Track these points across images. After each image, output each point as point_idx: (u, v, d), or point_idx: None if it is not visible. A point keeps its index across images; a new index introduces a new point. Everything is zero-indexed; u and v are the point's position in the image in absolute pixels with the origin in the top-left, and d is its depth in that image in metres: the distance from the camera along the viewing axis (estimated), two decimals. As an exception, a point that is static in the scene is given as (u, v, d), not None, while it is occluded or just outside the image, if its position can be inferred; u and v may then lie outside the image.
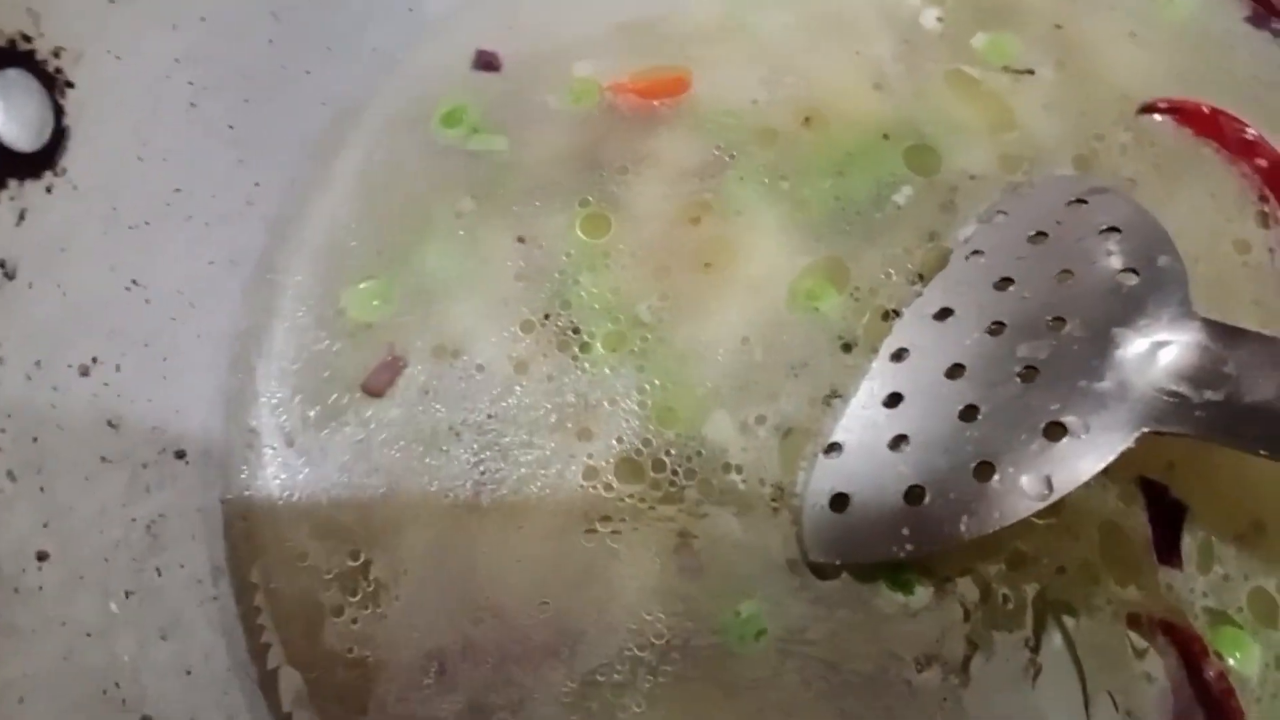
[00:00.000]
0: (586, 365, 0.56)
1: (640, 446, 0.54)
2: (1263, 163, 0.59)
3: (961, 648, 0.50)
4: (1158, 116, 0.61)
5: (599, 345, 0.56)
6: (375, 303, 0.58)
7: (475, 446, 0.55)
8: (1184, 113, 0.61)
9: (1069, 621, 0.51)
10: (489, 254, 0.59)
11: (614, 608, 0.52)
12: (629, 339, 0.57)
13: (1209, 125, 0.60)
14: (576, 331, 0.57)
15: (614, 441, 0.55)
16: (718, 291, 0.57)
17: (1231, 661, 0.50)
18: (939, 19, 0.64)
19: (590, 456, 0.54)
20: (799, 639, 0.51)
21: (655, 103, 0.62)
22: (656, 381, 0.56)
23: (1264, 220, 0.58)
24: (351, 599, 0.53)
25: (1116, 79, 0.62)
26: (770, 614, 0.51)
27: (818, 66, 0.63)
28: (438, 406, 0.56)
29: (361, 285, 0.59)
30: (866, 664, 0.50)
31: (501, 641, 0.52)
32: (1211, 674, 0.50)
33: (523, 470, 0.54)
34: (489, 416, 0.55)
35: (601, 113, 0.62)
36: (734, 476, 0.54)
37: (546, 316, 0.57)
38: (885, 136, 0.60)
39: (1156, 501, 0.52)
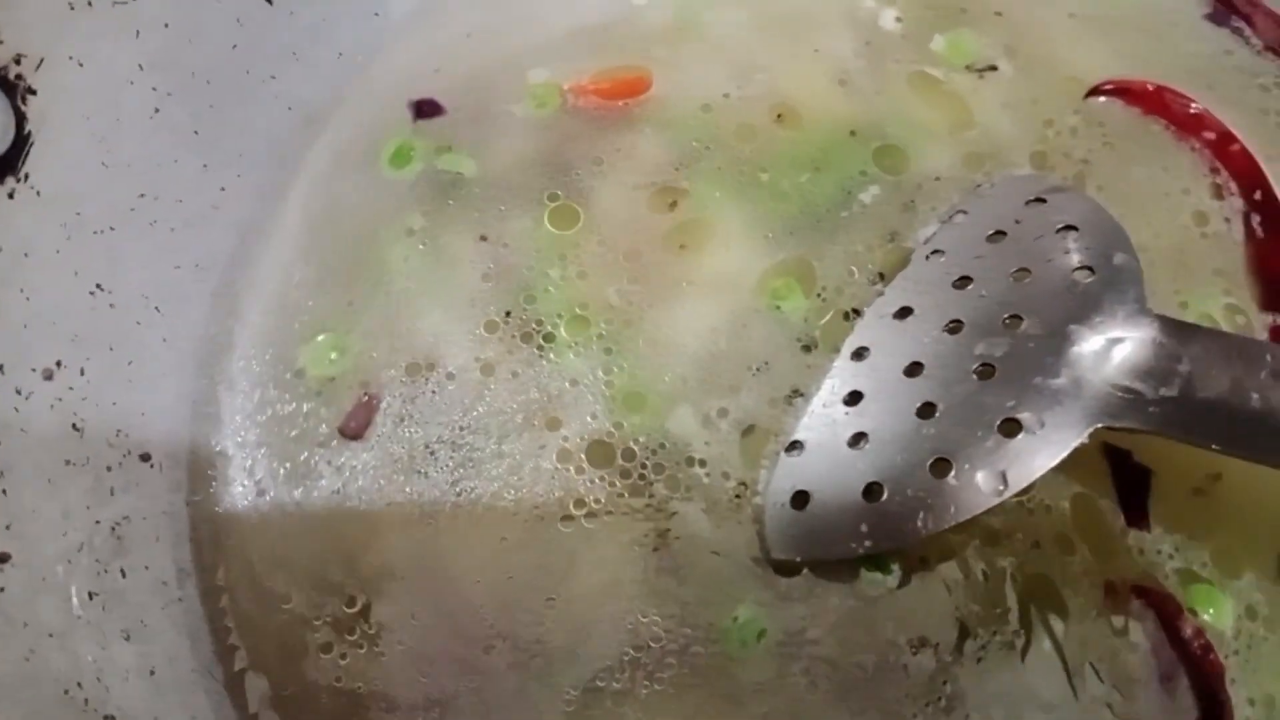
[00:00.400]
0: (551, 355, 0.56)
1: (611, 429, 0.55)
2: (1210, 135, 0.60)
3: (950, 627, 0.51)
4: (1102, 98, 0.62)
5: (563, 332, 0.57)
6: (333, 355, 0.58)
7: (451, 464, 0.55)
8: (1130, 93, 0.61)
9: (1048, 597, 0.51)
10: (454, 258, 0.59)
11: (608, 604, 0.52)
12: (594, 323, 0.57)
13: (1154, 102, 0.61)
14: (540, 323, 0.57)
15: (588, 418, 0.55)
16: (690, 274, 0.58)
17: (1206, 617, 0.51)
18: (898, 19, 0.64)
19: (565, 440, 0.55)
20: (797, 638, 0.51)
21: (620, 102, 0.63)
22: (624, 365, 0.56)
23: (1218, 191, 0.59)
24: (349, 636, 0.53)
25: (1062, 63, 0.63)
26: (765, 616, 0.51)
27: (781, 64, 0.63)
28: (414, 430, 0.56)
29: (318, 339, 0.58)
30: (865, 655, 0.51)
31: (520, 661, 0.52)
32: (1189, 632, 0.50)
33: (496, 484, 0.54)
34: (461, 429, 0.56)
35: (566, 114, 0.63)
36: (698, 470, 0.54)
37: (508, 314, 0.58)
38: (852, 133, 0.61)
39: (1120, 467, 0.53)
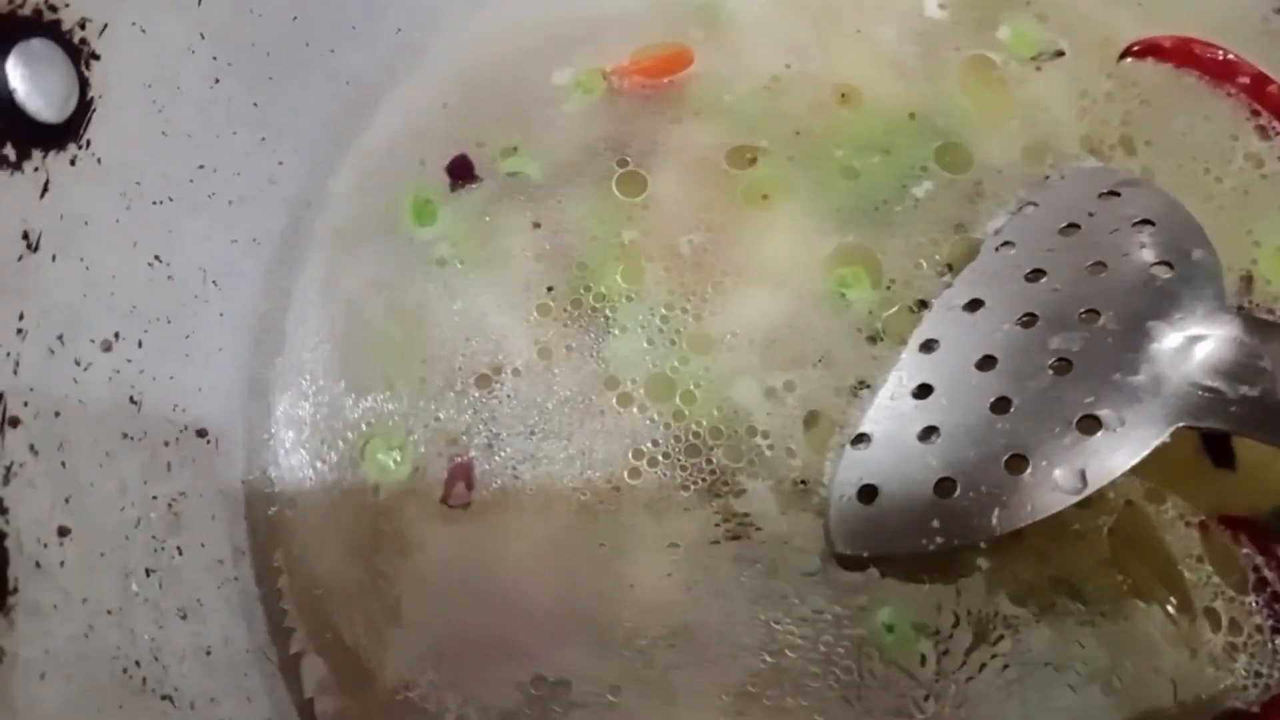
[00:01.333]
0: (607, 313, 0.57)
1: (676, 364, 0.55)
2: (1245, 80, 0.60)
3: (1059, 590, 0.51)
4: (1130, 60, 0.62)
5: (619, 280, 0.57)
6: (396, 456, 0.55)
7: (535, 484, 0.54)
8: (1159, 49, 0.61)
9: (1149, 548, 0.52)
10: (505, 252, 0.59)
11: (727, 610, 0.52)
12: (651, 272, 0.57)
13: (1183, 55, 0.61)
14: (588, 288, 0.57)
15: (644, 343, 0.56)
16: (771, 226, 0.58)
17: None
18: (941, 6, 0.63)
19: (633, 382, 0.55)
20: (940, 628, 0.51)
21: (665, 80, 0.62)
22: (687, 307, 0.56)
23: (1263, 133, 0.60)
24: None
25: (1094, 30, 0.63)
26: (910, 611, 0.51)
27: (827, 44, 0.63)
28: (504, 451, 0.55)
29: (372, 444, 0.56)
30: (1001, 630, 0.51)
31: (682, 667, 0.51)
32: None
33: (578, 488, 0.54)
34: (532, 434, 0.55)
35: (616, 96, 0.62)
36: (760, 441, 0.54)
37: (550, 288, 0.57)
38: (911, 116, 0.60)
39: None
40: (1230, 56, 0.60)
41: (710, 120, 0.61)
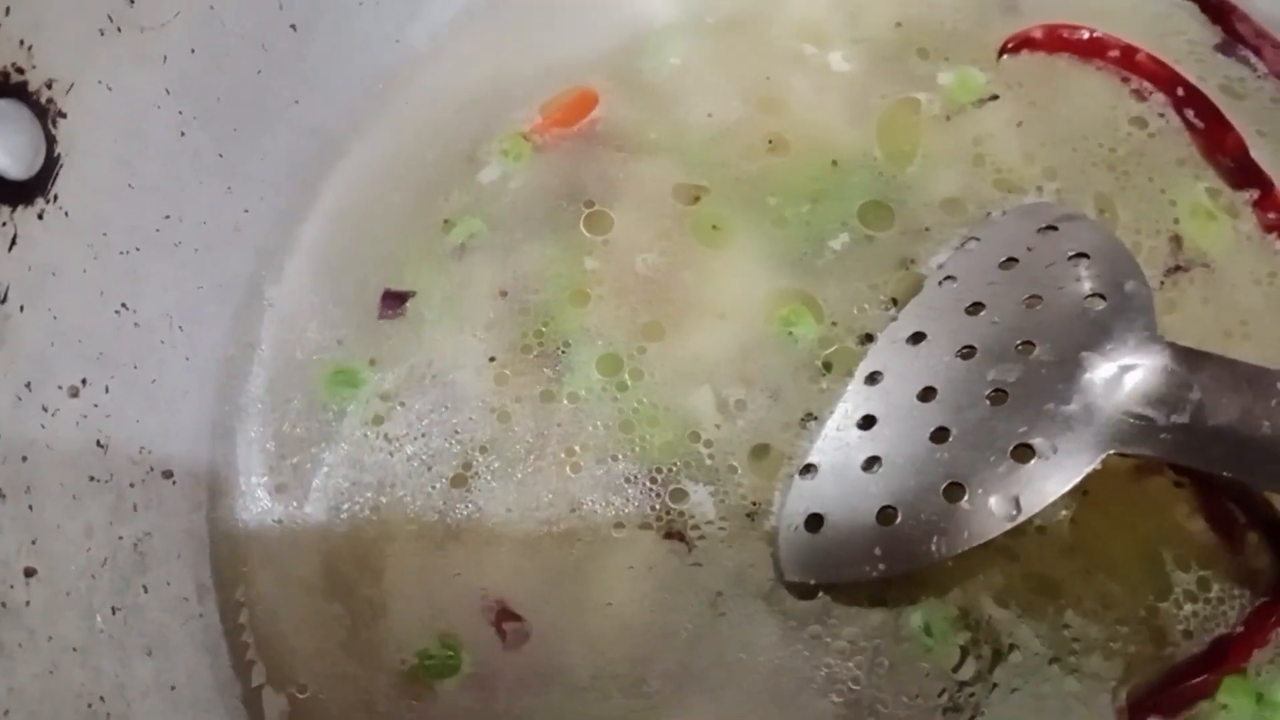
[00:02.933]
0: (561, 332, 0.58)
1: (634, 351, 0.57)
2: (1114, 53, 0.63)
3: (1022, 580, 0.53)
4: (1006, 57, 0.65)
5: (568, 306, 0.59)
6: (449, 654, 0.54)
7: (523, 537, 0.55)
8: (1031, 42, 0.65)
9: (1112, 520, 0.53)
10: (471, 301, 0.60)
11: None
12: (593, 296, 0.59)
13: (1054, 41, 0.65)
14: (536, 330, 0.59)
15: (598, 340, 0.58)
16: (721, 261, 0.60)
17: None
18: (846, 60, 0.65)
19: (585, 377, 0.57)
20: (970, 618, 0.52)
21: (575, 126, 0.64)
22: (639, 307, 0.58)
23: (1139, 95, 0.63)
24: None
25: (971, 35, 0.65)
26: (941, 604, 0.52)
27: (745, 92, 0.64)
28: (502, 547, 0.55)
29: (423, 663, 0.54)
30: (1001, 635, 0.52)
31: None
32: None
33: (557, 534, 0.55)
34: (509, 511, 0.56)
35: (544, 151, 0.63)
36: (700, 448, 0.55)
37: (491, 358, 0.58)
38: (834, 164, 0.62)
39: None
40: (1098, 34, 0.64)
41: (653, 155, 0.62)
